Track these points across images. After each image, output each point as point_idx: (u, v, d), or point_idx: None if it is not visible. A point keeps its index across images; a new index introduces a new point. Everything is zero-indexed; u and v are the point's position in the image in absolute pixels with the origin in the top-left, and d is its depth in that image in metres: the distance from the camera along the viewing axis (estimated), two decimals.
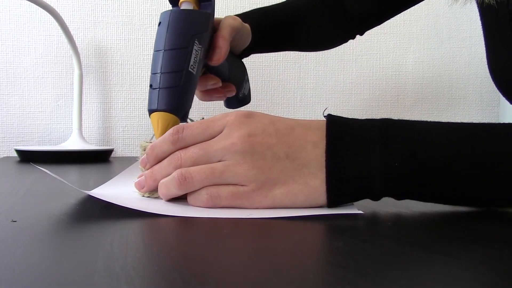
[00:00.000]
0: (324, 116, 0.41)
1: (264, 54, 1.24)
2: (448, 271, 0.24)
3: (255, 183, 0.39)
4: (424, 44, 1.31)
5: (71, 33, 1.02)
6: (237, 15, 0.67)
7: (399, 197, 0.40)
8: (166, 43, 0.49)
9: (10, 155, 1.08)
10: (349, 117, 0.41)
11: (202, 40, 0.51)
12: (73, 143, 1.01)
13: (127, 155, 1.15)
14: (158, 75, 0.49)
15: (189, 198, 0.41)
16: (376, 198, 0.40)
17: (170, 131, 0.42)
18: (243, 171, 0.39)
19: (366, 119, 0.41)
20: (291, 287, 0.21)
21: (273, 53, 1.23)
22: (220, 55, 0.55)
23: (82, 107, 1.07)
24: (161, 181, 0.42)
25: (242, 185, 0.39)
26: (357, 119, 0.41)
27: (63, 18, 1.00)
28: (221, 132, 0.41)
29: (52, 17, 0.99)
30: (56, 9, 0.99)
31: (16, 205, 0.41)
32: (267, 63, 1.24)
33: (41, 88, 1.12)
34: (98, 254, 0.26)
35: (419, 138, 0.39)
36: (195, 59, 0.50)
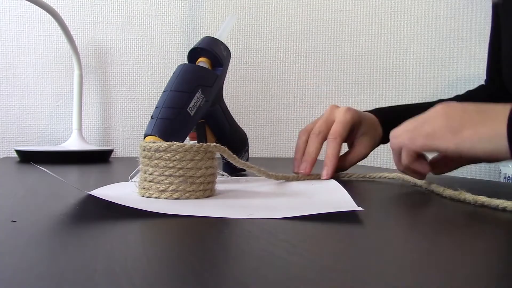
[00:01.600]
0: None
1: (265, 54, 1.24)
2: (448, 271, 0.24)
3: (448, 126, 0.46)
4: (424, 44, 1.31)
5: (71, 33, 1.02)
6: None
7: None
8: (174, 85, 0.57)
9: (10, 155, 1.08)
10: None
11: (205, 92, 0.59)
12: (73, 143, 1.00)
13: (127, 156, 1.15)
14: (159, 108, 0.55)
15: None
16: None
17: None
18: (441, 120, 0.48)
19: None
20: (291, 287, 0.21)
21: (273, 52, 1.24)
22: (328, 172, 0.64)
23: (82, 107, 1.07)
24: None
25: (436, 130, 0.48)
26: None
27: (63, 18, 1.00)
28: None
29: (52, 17, 0.99)
30: (56, 9, 0.99)
31: (16, 205, 0.41)
32: (267, 63, 1.24)
33: (41, 88, 1.12)
34: (98, 254, 0.26)
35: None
36: (195, 104, 0.57)
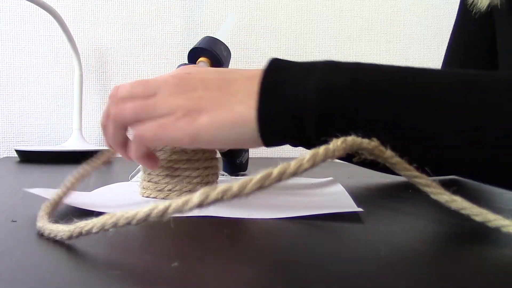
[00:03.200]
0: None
1: (265, 54, 1.24)
2: (450, 270, 0.24)
3: (182, 111, 0.37)
4: (424, 44, 1.31)
5: (71, 33, 1.02)
6: None
7: (335, 126, 0.34)
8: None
9: (10, 155, 1.07)
10: (293, 61, 0.38)
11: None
12: (73, 143, 1.00)
13: None
14: None
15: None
16: (310, 125, 0.35)
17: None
18: (173, 101, 0.37)
19: (309, 62, 0.38)
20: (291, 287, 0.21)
21: (273, 52, 1.24)
22: None
23: (82, 107, 1.07)
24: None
25: (169, 116, 0.37)
26: (300, 62, 0.38)
27: (63, 18, 1.00)
28: None
29: (52, 17, 0.98)
30: (56, 9, 0.99)
31: (16, 205, 0.41)
32: None
33: (41, 88, 1.12)
34: (98, 254, 0.26)
35: (363, 67, 0.37)
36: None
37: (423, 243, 0.31)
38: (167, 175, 0.45)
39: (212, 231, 0.33)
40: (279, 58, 0.38)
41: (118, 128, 0.40)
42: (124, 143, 0.41)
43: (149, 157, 0.41)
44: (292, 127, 0.35)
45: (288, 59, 0.38)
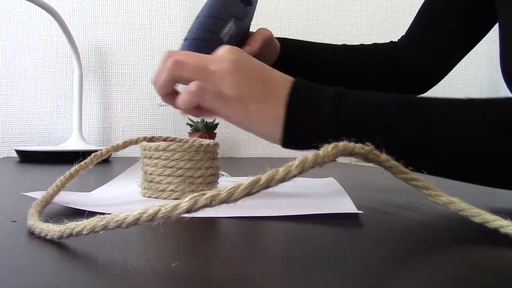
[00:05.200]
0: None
1: None
2: (449, 271, 0.24)
3: (239, 93, 0.42)
4: None
5: (71, 33, 1.02)
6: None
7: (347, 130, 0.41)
8: (207, 11, 0.56)
9: (10, 155, 1.08)
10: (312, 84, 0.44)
11: (237, 23, 0.58)
12: (73, 143, 1.01)
13: (127, 156, 1.15)
14: (193, 30, 0.55)
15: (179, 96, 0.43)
16: (325, 130, 0.41)
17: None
18: (232, 80, 0.42)
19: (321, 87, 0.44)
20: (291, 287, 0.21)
21: None
22: (249, 53, 0.57)
23: (82, 107, 1.07)
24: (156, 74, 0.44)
25: (225, 90, 0.42)
26: (319, 86, 0.44)
27: (63, 18, 1.00)
28: None
29: (52, 17, 0.99)
30: (56, 9, 0.99)
31: (16, 205, 0.41)
32: None
33: (41, 88, 1.12)
34: (98, 254, 0.26)
35: (371, 95, 0.43)
36: (228, 32, 0.57)
37: (422, 243, 0.31)
38: (169, 175, 0.45)
39: (212, 231, 0.33)
40: (302, 80, 0.44)
41: (171, 80, 0.43)
42: (174, 94, 0.45)
43: (197, 107, 0.44)
44: (308, 144, 0.42)
45: (308, 83, 0.44)
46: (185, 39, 0.55)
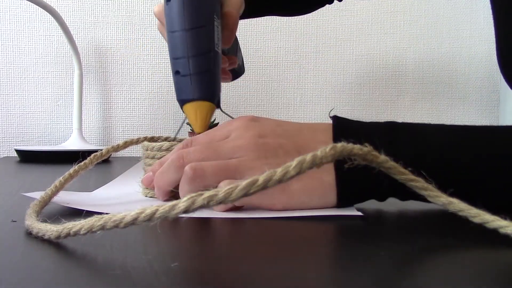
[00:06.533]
0: (330, 117, 0.41)
1: (265, 54, 1.24)
2: (449, 271, 0.24)
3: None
4: (424, 44, 1.31)
5: (71, 33, 1.02)
6: None
7: (403, 197, 0.40)
8: (187, 22, 0.43)
9: (10, 155, 1.08)
10: (354, 120, 0.41)
11: (218, 14, 0.47)
12: (73, 143, 1.01)
13: (127, 155, 1.15)
14: (185, 59, 0.44)
15: None
16: (381, 198, 0.40)
17: (180, 145, 0.41)
18: (259, 166, 0.37)
19: (371, 122, 0.41)
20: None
21: (273, 52, 1.24)
22: (232, 36, 0.50)
23: (82, 107, 1.07)
24: (161, 175, 0.40)
25: None
26: (363, 122, 0.41)
27: (63, 18, 1.00)
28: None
29: (52, 17, 0.98)
30: (56, 9, 0.99)
31: (16, 205, 0.41)
32: (267, 63, 1.24)
33: (41, 88, 1.12)
34: (97, 254, 0.26)
35: (423, 140, 0.39)
36: (218, 36, 0.46)
37: (422, 244, 0.31)
38: None
39: (213, 231, 0.33)
40: (343, 122, 0.40)
41: (192, 191, 0.38)
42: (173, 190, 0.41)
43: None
44: (366, 195, 0.40)
45: (351, 122, 0.40)
46: (180, 74, 0.45)
